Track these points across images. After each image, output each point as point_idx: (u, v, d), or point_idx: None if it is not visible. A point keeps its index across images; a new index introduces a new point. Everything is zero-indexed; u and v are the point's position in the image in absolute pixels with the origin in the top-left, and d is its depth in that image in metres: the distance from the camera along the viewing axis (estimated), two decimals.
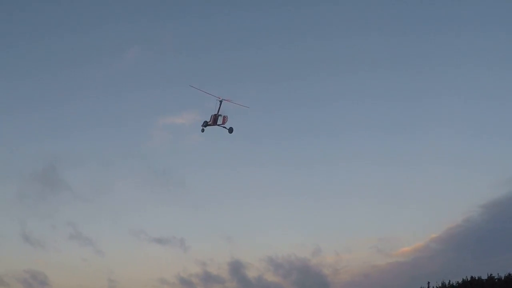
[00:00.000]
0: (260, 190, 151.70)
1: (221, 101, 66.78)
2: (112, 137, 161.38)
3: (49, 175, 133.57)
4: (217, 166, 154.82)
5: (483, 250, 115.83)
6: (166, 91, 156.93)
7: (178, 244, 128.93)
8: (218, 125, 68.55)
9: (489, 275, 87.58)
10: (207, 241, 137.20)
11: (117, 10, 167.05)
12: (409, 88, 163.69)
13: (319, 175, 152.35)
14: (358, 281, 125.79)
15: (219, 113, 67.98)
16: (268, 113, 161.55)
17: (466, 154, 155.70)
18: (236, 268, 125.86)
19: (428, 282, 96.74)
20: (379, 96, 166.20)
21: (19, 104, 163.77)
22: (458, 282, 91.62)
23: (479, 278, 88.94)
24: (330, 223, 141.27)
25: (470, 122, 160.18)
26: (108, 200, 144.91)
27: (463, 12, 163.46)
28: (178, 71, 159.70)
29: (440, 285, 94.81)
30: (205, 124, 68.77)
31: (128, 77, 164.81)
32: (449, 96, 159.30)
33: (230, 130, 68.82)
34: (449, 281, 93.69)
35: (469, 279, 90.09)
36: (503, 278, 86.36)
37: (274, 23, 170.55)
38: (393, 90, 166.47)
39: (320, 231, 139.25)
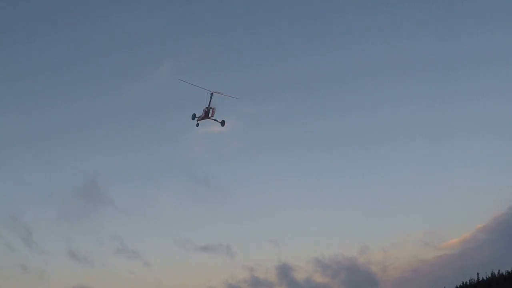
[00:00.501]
0: (303, 190, 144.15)
1: (211, 94, 66.98)
2: (151, 149, 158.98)
3: (91, 190, 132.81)
4: (258, 170, 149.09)
5: None
6: (202, 102, 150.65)
7: (225, 251, 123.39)
8: (210, 118, 69.09)
9: None
10: (253, 246, 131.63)
11: (147, 26, 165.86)
12: (444, 90, 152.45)
13: (360, 174, 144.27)
14: (407, 277, 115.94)
15: (210, 106, 68.05)
16: (307, 117, 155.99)
17: (509, 141, 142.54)
18: (284, 271, 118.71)
19: (478, 273, 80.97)
20: (421, 98, 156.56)
21: (57, 123, 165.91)
22: (507, 271, 75.09)
23: None
24: (376, 220, 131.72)
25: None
26: (152, 211, 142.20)
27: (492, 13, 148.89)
28: (213, 82, 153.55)
29: (489, 275, 78.60)
30: (194, 116, 69.74)
31: (164, 90, 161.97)
32: (485, 94, 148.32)
33: (222, 123, 69.84)
34: (498, 270, 77.13)
35: None
36: None
37: (313, 31, 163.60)
38: (428, 92, 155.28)
39: (366, 229, 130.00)
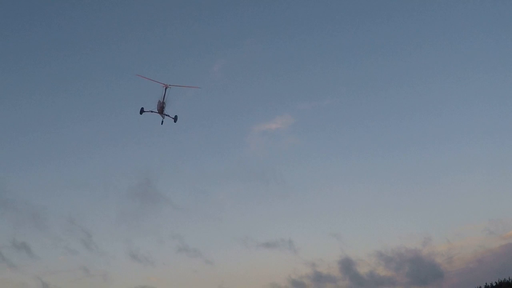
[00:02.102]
0: (363, 184, 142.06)
1: (165, 88, 64.58)
2: (208, 148, 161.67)
3: (146, 189, 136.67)
4: (316, 165, 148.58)
5: None
6: (256, 100, 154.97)
7: (287, 246, 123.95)
8: (163, 114, 68.08)
9: None
10: (315, 240, 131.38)
11: (202, 28, 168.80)
12: None
13: (421, 167, 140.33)
14: (472, 268, 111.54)
15: (164, 100, 66.56)
16: (362, 112, 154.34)
17: None
18: (347, 265, 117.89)
19: None
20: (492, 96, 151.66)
21: (111, 126, 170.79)
22: None
23: None
24: (438, 211, 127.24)
25: None
26: (211, 209, 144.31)
27: None
28: (265, 80, 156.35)
29: None
30: (142, 111, 67.05)
31: (217, 89, 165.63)
32: None
33: (175, 118, 67.70)
34: None
35: None
36: None
37: (372, 32, 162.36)
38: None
39: (428, 220, 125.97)
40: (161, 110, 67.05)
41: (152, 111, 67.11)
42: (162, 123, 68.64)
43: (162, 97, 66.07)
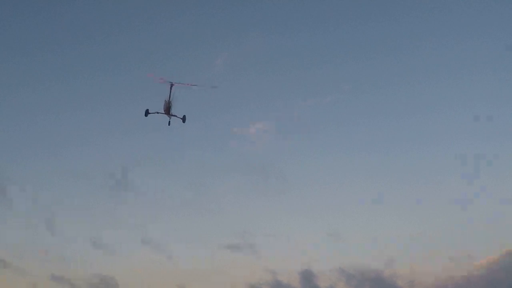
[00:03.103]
0: (336, 192, 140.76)
1: (171, 85, 60.68)
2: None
3: (117, 177, 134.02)
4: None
5: None
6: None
7: (249, 252, 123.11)
8: (170, 114, 63.10)
9: None
10: (278, 248, 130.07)
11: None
12: None
13: (393, 183, 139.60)
14: None
15: (171, 99, 62.25)
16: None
17: None
18: (307, 277, 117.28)
19: None
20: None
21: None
22: None
23: None
24: (403, 233, 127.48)
25: None
26: (173, 203, 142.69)
27: None
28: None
29: None
30: (147, 113, 64.03)
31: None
32: None
33: (183, 119, 63.95)
34: None
35: None
36: None
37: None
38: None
39: (394, 241, 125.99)
40: (167, 110, 61.86)
41: (158, 112, 62.68)
42: (169, 124, 63.52)
43: (168, 96, 61.02)
